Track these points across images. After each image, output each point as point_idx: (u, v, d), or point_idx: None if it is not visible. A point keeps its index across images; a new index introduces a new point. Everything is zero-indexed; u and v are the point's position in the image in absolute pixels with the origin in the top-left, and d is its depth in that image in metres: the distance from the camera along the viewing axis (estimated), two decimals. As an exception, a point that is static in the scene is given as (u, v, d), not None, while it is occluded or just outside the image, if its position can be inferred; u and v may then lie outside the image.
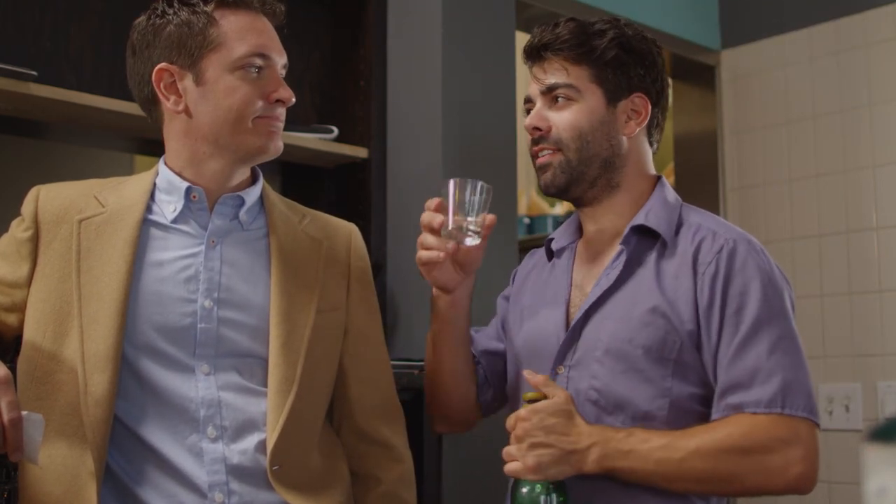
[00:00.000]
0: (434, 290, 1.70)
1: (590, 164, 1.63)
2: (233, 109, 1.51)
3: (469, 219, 1.57)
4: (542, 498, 1.45)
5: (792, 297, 1.57)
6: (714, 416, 1.51)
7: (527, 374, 1.54)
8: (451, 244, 1.60)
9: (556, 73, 1.64)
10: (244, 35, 1.52)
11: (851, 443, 2.87)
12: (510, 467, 1.49)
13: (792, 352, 1.50)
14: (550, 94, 1.64)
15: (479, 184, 1.57)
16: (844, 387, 2.89)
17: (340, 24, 2.59)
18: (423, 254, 1.62)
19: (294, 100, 1.57)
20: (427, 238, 1.61)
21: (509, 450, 1.50)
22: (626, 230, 1.61)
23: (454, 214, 1.57)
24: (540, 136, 1.65)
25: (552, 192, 1.67)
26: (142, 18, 1.56)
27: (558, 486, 1.46)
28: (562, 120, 1.64)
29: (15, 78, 1.96)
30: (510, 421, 1.51)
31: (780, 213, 3.12)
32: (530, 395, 1.51)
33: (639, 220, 1.61)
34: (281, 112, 1.57)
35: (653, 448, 1.47)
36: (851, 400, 2.89)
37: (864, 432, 0.70)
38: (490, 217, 1.59)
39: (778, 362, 1.48)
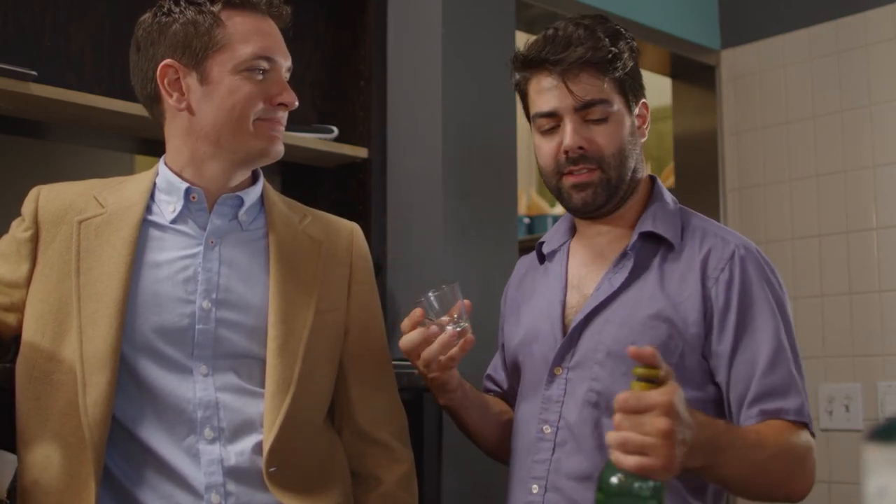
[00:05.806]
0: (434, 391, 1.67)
1: (624, 178, 1.60)
2: (235, 109, 1.51)
3: (448, 318, 1.56)
4: (655, 493, 1.15)
5: None
6: (745, 421, 1.50)
7: (631, 350, 1.19)
8: (451, 329, 1.55)
9: (590, 89, 1.57)
10: (250, 37, 1.52)
11: (851, 443, 2.87)
12: (645, 462, 1.13)
13: (801, 362, 1.55)
14: (585, 110, 1.58)
15: (443, 288, 1.56)
16: (844, 387, 2.89)
17: (340, 24, 2.59)
18: (444, 358, 1.56)
19: (297, 104, 1.57)
20: (429, 350, 1.55)
21: (645, 441, 1.14)
22: (635, 237, 1.60)
23: (437, 319, 1.56)
24: (581, 154, 1.58)
25: (589, 209, 1.61)
26: (147, 16, 1.57)
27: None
28: (602, 137, 1.58)
29: (15, 78, 1.96)
30: (650, 400, 1.16)
31: (780, 213, 3.12)
32: (647, 371, 1.17)
33: (646, 226, 1.60)
34: (283, 116, 1.57)
35: (746, 446, 1.38)
36: (851, 400, 2.89)
37: (864, 432, 0.70)
38: (467, 302, 1.57)
39: (801, 373, 1.52)
